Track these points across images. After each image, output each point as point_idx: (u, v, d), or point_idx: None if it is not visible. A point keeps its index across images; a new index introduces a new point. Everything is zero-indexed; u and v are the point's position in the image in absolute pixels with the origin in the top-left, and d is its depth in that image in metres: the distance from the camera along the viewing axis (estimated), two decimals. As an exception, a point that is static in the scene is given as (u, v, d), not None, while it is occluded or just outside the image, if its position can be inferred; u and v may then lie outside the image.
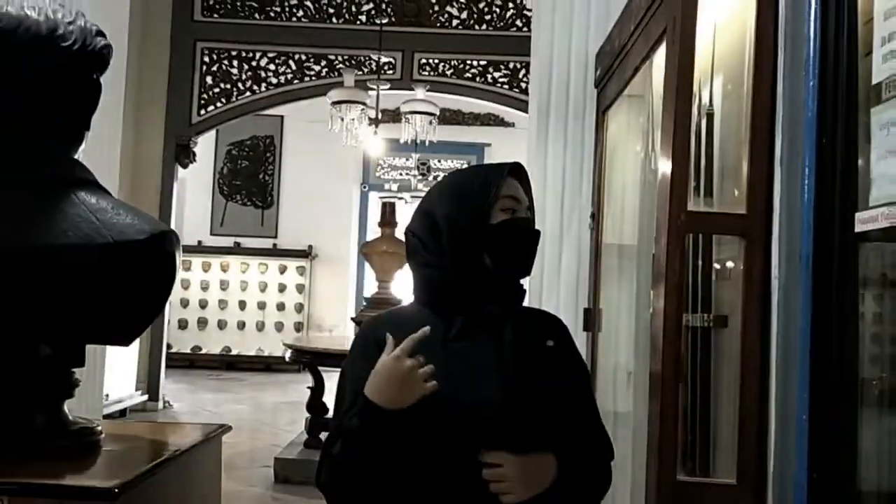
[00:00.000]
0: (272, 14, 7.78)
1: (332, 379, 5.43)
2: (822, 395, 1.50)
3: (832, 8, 1.53)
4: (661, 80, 2.12)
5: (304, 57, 7.72)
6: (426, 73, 7.58)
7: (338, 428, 1.36)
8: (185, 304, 10.95)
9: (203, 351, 11.05)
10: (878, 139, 1.29)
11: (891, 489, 1.45)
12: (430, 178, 10.61)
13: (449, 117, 9.81)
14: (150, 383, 7.41)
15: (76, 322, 1.14)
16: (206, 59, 7.72)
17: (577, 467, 1.42)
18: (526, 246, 1.50)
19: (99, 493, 0.98)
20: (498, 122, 11.05)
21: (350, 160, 10.82)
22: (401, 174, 11.50)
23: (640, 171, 2.73)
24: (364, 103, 6.58)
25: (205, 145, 8.67)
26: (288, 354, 5.99)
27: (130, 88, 5.46)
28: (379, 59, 7.30)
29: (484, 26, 7.65)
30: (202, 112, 7.72)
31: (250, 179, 11.42)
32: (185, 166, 7.73)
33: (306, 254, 11.23)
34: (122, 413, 6.84)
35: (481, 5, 7.67)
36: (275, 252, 11.25)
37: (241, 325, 11.21)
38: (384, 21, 7.33)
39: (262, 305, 11.26)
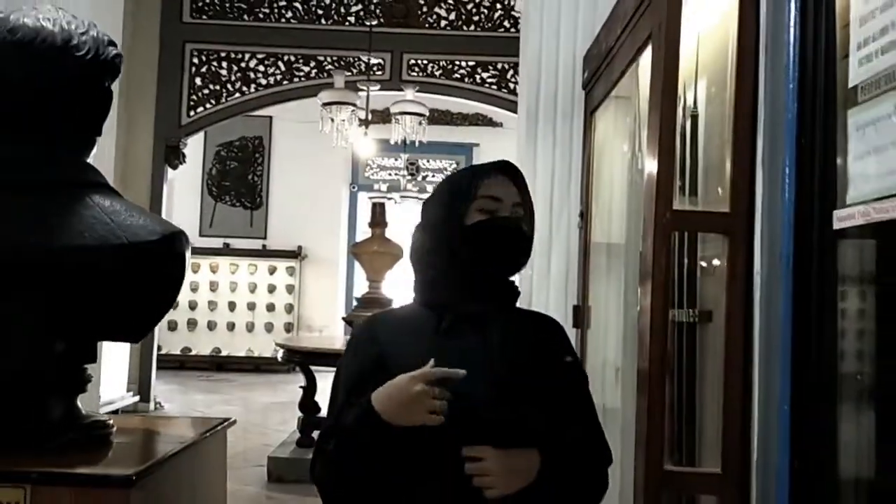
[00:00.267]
0: (261, 15, 7.80)
1: (324, 378, 5.46)
2: (803, 387, 1.54)
3: (811, 14, 1.57)
4: (647, 83, 2.15)
5: (293, 58, 7.74)
6: (415, 74, 7.62)
7: (334, 424, 1.38)
8: (174, 305, 10.91)
9: (193, 352, 11.03)
10: (854, 140, 1.33)
11: (869, 476, 1.51)
12: (419, 178, 10.66)
13: (437, 117, 9.85)
14: (141, 385, 7.40)
15: (90, 320, 1.19)
16: (196, 60, 7.73)
17: (570, 466, 1.41)
18: (503, 245, 1.49)
19: (117, 481, 1.03)
20: (486, 122, 11.10)
21: (339, 161, 10.84)
22: (390, 174, 11.53)
23: (628, 171, 2.77)
24: (354, 104, 6.61)
25: (193, 146, 8.67)
26: (280, 354, 6.01)
27: (120, 90, 5.47)
28: (368, 60, 7.34)
29: (472, 27, 7.70)
30: (192, 113, 7.72)
31: (239, 180, 11.42)
32: (174, 167, 7.74)
33: (296, 254, 11.24)
34: (115, 414, 6.84)
35: (469, 6, 7.71)
36: (264, 253, 11.25)
37: (231, 326, 11.21)
38: (373, 23, 7.36)
39: (251, 306, 11.26)
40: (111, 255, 1.15)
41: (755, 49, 1.79)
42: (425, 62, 7.68)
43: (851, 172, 1.34)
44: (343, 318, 7.07)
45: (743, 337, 1.77)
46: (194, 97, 7.71)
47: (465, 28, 7.71)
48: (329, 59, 7.72)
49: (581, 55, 3.11)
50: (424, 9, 7.73)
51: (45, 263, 1.13)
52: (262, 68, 7.74)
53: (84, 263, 1.14)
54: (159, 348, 8.56)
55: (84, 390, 1.26)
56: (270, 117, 10.67)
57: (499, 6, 7.65)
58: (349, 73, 7.33)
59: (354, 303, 6.77)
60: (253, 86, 7.75)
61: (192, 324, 11.08)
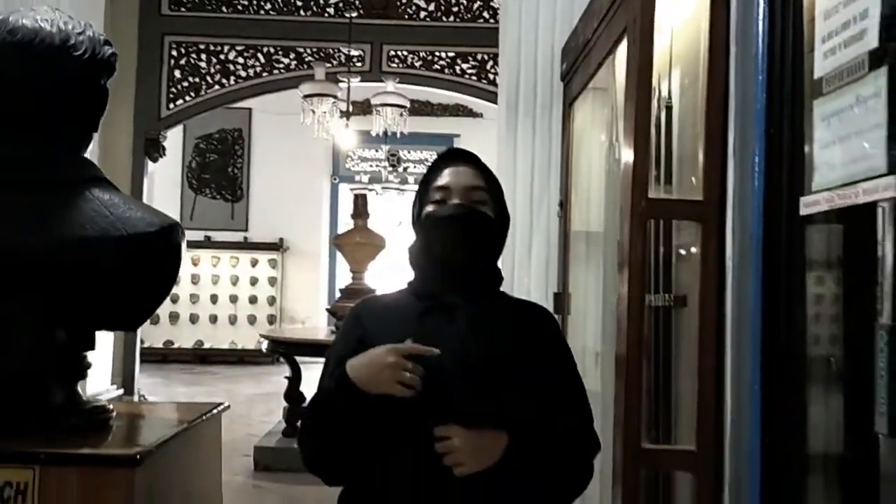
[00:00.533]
0: (240, 7, 7.78)
1: (308, 369, 5.47)
2: (773, 367, 1.61)
3: (779, 8, 1.63)
4: (623, 75, 2.22)
5: (272, 50, 7.73)
6: (395, 66, 7.64)
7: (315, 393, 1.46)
8: (162, 297, 10.89)
9: (176, 345, 11.03)
10: (820, 129, 1.38)
11: (836, 452, 1.58)
12: (401, 169, 10.68)
13: (418, 108, 9.87)
14: (125, 378, 7.40)
15: (90, 310, 1.23)
16: (174, 52, 7.70)
17: (549, 451, 1.43)
18: (453, 232, 1.49)
19: (123, 460, 1.09)
20: (466, 112, 11.14)
21: (320, 152, 10.85)
22: (371, 166, 11.55)
23: (606, 160, 2.83)
24: (335, 96, 6.63)
25: (172, 139, 8.64)
26: (265, 345, 6.04)
27: (101, 84, 5.44)
28: (349, 51, 7.35)
29: (451, 18, 7.72)
30: (171, 106, 7.70)
31: (219, 173, 11.40)
32: (154, 160, 7.72)
33: (277, 246, 11.25)
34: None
35: (448, -3, 7.75)
36: (246, 245, 11.25)
37: (214, 319, 11.21)
38: (353, 14, 7.37)
39: (234, 299, 11.27)
40: (111, 247, 1.19)
41: (726, 42, 1.84)
42: (405, 53, 7.70)
43: (817, 161, 1.39)
44: (327, 309, 7.11)
45: (716, 320, 1.83)
46: (174, 90, 7.68)
47: (444, 19, 7.73)
48: (308, 51, 7.72)
49: (560, 47, 3.17)
50: (403, 0, 7.75)
51: (46, 263, 1.17)
52: (241, 60, 7.73)
53: (85, 256, 1.18)
54: (142, 341, 8.55)
55: (84, 377, 1.30)
56: (249, 109, 10.66)
57: (477, -3, 7.68)
58: (329, 65, 7.34)
59: (338, 294, 6.80)
60: (232, 78, 7.73)
61: (174, 317, 11.05)
